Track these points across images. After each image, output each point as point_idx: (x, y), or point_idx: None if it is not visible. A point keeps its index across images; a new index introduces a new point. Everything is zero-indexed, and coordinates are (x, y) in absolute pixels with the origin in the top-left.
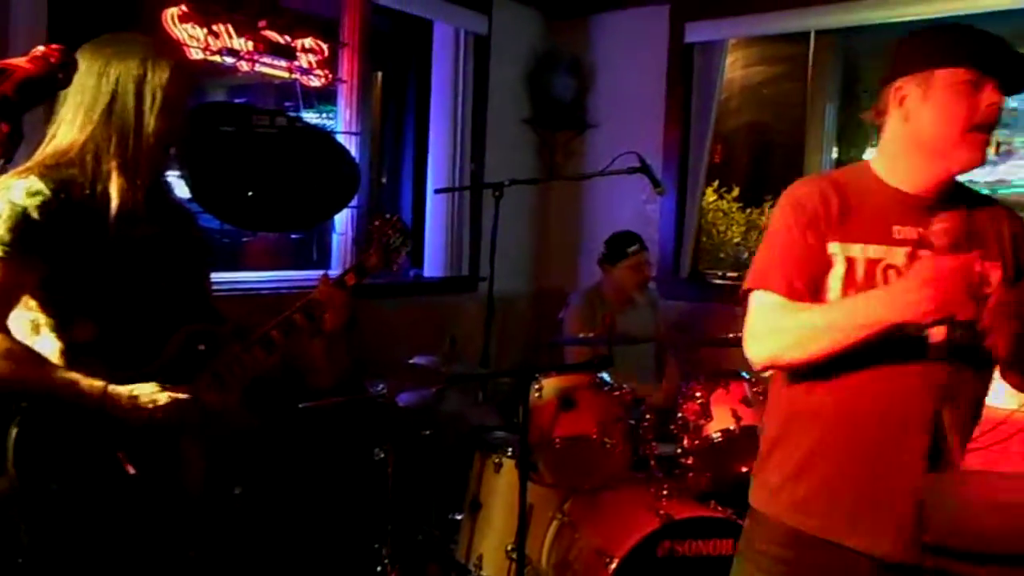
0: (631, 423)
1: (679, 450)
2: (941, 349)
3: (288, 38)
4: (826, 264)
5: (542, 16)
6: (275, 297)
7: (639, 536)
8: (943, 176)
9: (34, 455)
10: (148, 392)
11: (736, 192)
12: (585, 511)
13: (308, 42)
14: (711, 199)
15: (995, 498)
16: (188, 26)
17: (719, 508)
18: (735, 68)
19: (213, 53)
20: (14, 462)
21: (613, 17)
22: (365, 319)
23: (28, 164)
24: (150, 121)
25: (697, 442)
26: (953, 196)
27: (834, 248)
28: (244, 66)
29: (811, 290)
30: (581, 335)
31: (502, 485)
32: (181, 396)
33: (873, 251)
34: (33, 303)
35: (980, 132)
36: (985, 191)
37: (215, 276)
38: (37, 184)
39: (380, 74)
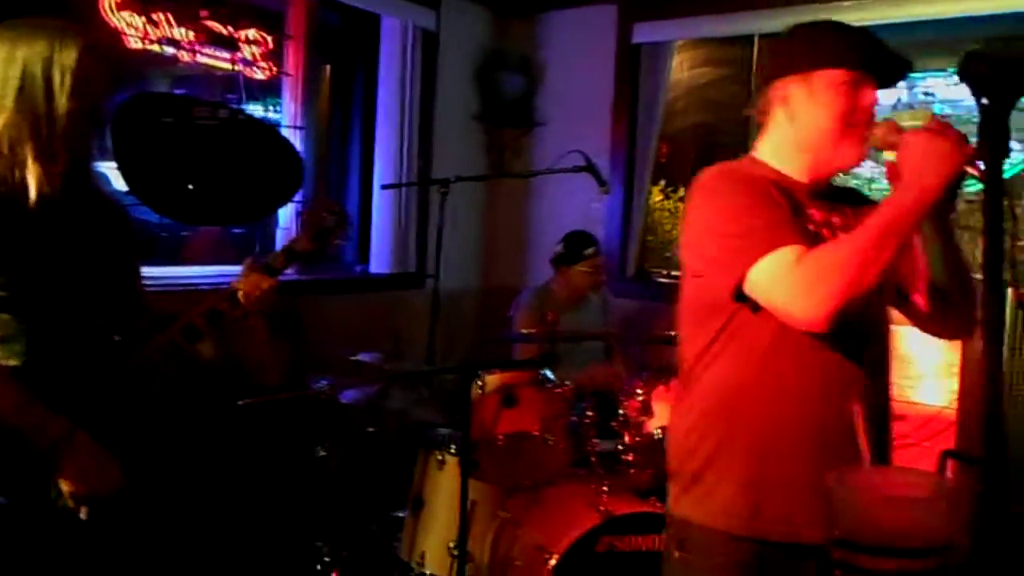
0: (573, 420)
1: (620, 447)
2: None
3: (231, 29)
4: None
5: (491, 13)
6: (216, 292)
7: (579, 532)
8: (830, 172)
9: None
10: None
11: (682, 192)
12: (527, 508)
13: (252, 33)
14: (657, 198)
15: (891, 493)
16: (126, 14)
17: (659, 504)
18: (681, 69)
19: (153, 42)
20: None
21: (561, 16)
22: (310, 315)
23: None
24: (61, 103)
25: (638, 439)
26: (840, 193)
27: None
28: (185, 56)
29: None
30: (526, 330)
31: (445, 482)
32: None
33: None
34: None
35: (860, 130)
36: None
37: (154, 271)
38: None
39: (328, 67)
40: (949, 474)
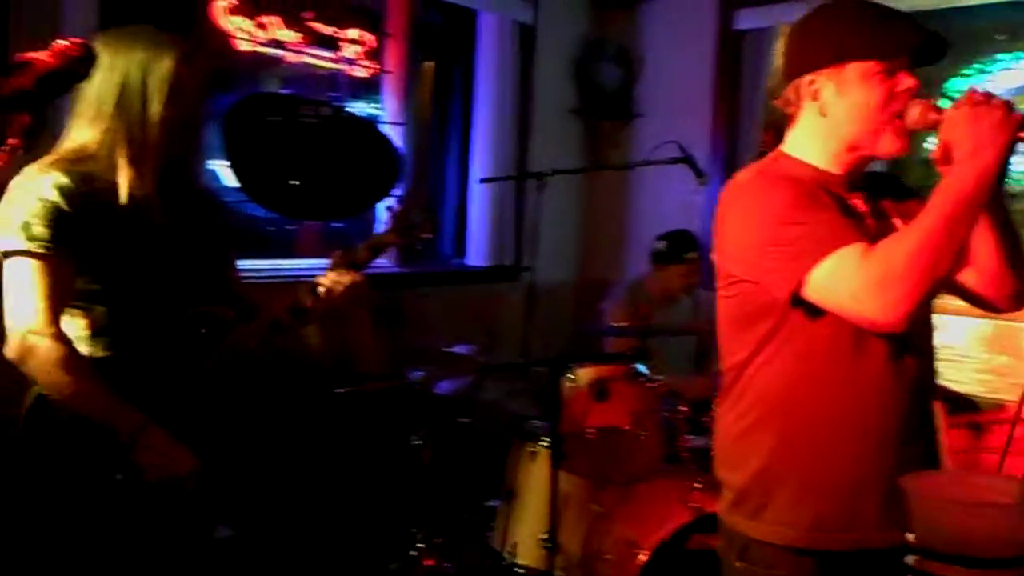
0: (665, 415)
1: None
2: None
3: (334, 29)
4: None
5: (589, 4)
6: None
7: (670, 529)
8: (867, 162)
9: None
10: (179, 449)
11: None
12: (618, 502)
13: (354, 33)
14: None
15: (972, 498)
16: (237, 18)
17: None
18: None
19: (261, 44)
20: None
21: (661, 5)
22: (408, 307)
23: (49, 160)
24: (155, 110)
25: None
26: (870, 179)
27: None
28: (291, 57)
29: None
30: (618, 324)
31: (537, 474)
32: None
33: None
34: None
35: (900, 120)
36: None
37: (262, 264)
38: (62, 178)
39: (432, 64)
40: None
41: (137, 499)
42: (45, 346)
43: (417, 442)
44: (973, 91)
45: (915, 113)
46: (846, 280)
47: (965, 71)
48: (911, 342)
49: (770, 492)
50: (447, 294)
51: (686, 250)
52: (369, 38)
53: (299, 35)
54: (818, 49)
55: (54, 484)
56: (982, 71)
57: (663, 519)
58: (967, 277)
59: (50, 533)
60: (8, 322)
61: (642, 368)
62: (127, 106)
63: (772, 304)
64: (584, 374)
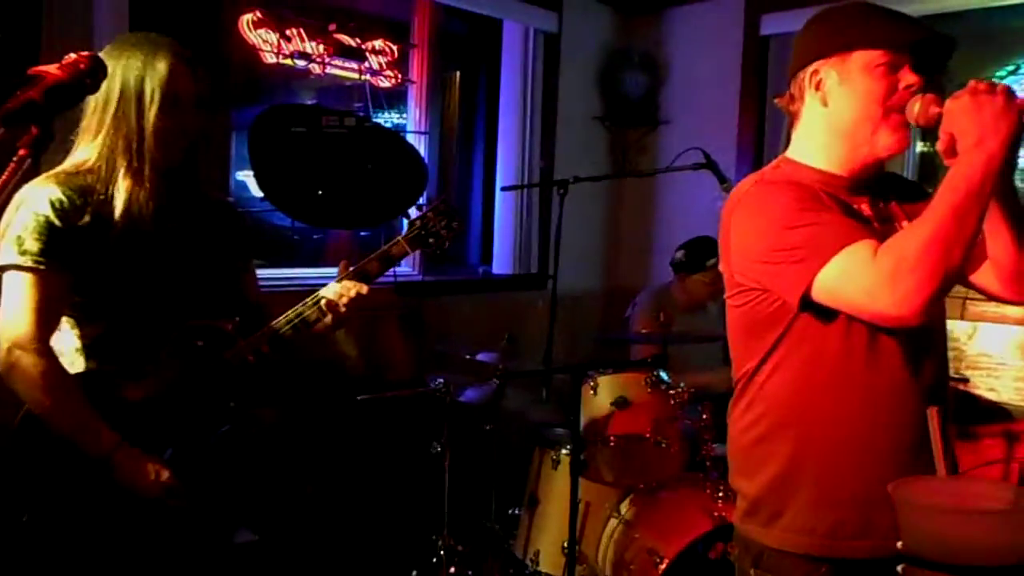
0: (687, 423)
1: None
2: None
3: (359, 40)
4: None
5: (614, 12)
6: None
7: (691, 537)
8: (869, 160)
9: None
10: (154, 464)
11: None
12: (641, 510)
13: (378, 44)
14: None
15: (962, 505)
16: (262, 31)
17: None
18: None
19: (286, 57)
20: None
21: (687, 11)
22: (434, 315)
23: (52, 172)
24: (150, 121)
25: None
26: (881, 180)
27: None
28: (316, 69)
29: None
30: (642, 330)
31: (559, 482)
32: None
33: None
34: None
35: (899, 114)
36: None
37: (289, 272)
38: (57, 192)
39: (458, 73)
40: None
41: (122, 508)
42: (27, 361)
43: (437, 449)
44: (975, 81)
45: (916, 107)
46: (857, 277)
47: (1000, 71)
48: (924, 347)
49: (784, 500)
50: (472, 302)
51: (707, 257)
52: (393, 48)
53: (323, 47)
54: (825, 38)
55: (43, 493)
56: (1019, 68)
57: (685, 527)
58: (986, 275)
59: (43, 542)
60: None
61: (664, 375)
62: (123, 116)
63: (781, 311)
64: (605, 381)
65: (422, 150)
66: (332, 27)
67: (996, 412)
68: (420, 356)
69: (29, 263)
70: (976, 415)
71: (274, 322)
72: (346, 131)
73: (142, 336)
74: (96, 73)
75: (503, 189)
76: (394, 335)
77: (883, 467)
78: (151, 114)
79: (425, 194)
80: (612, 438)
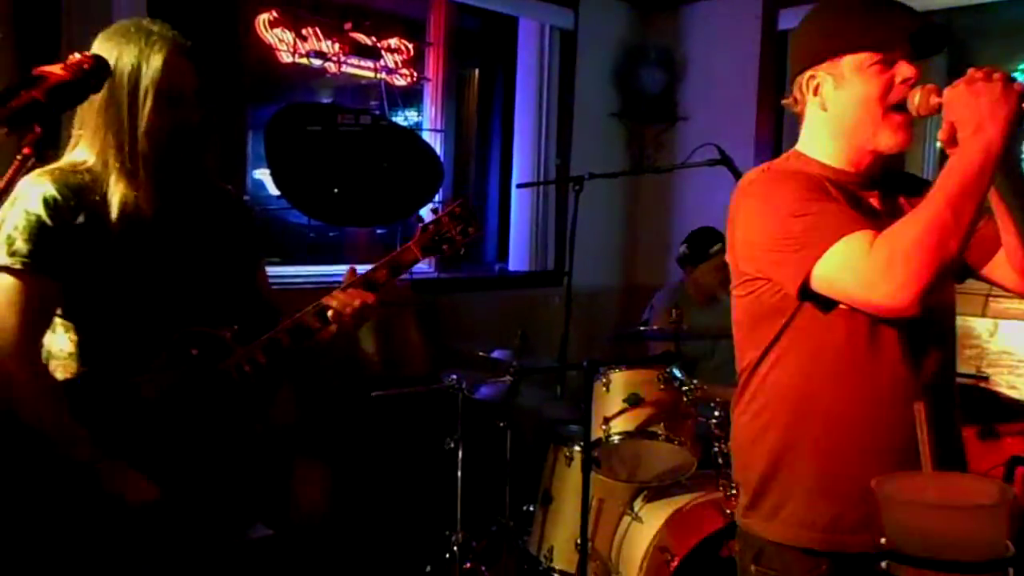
0: (700, 420)
1: None
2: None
3: (374, 39)
4: None
5: (630, 8)
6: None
7: (702, 535)
8: (873, 157)
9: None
10: (136, 479)
11: None
12: (654, 507)
13: (394, 42)
14: None
15: (944, 500)
16: (278, 30)
17: None
18: None
19: (302, 56)
20: None
21: (704, 6)
22: (450, 312)
23: (49, 167)
24: (143, 119)
25: None
26: (887, 177)
27: None
28: (332, 68)
29: None
30: (656, 327)
31: (572, 478)
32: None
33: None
34: None
35: (898, 111)
36: None
37: (308, 269)
38: (51, 190)
39: (477, 71)
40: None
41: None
42: (10, 367)
43: (450, 445)
44: (973, 69)
45: (917, 99)
46: (854, 266)
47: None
48: (928, 342)
49: (784, 493)
50: (487, 299)
51: (709, 246)
52: (409, 47)
53: (339, 45)
54: (814, 45)
55: (43, 493)
56: None
57: (696, 525)
58: (1003, 268)
59: (37, 541)
60: None
61: (677, 372)
62: (116, 113)
63: (784, 302)
64: (618, 378)
65: (438, 148)
66: (348, 26)
67: (1018, 410)
68: (435, 353)
69: (17, 265)
70: (997, 413)
71: (272, 331)
72: (362, 129)
73: (138, 341)
74: (100, 73)
75: (519, 186)
76: (409, 331)
77: (883, 461)
78: (144, 114)
79: (441, 192)
80: (625, 435)
